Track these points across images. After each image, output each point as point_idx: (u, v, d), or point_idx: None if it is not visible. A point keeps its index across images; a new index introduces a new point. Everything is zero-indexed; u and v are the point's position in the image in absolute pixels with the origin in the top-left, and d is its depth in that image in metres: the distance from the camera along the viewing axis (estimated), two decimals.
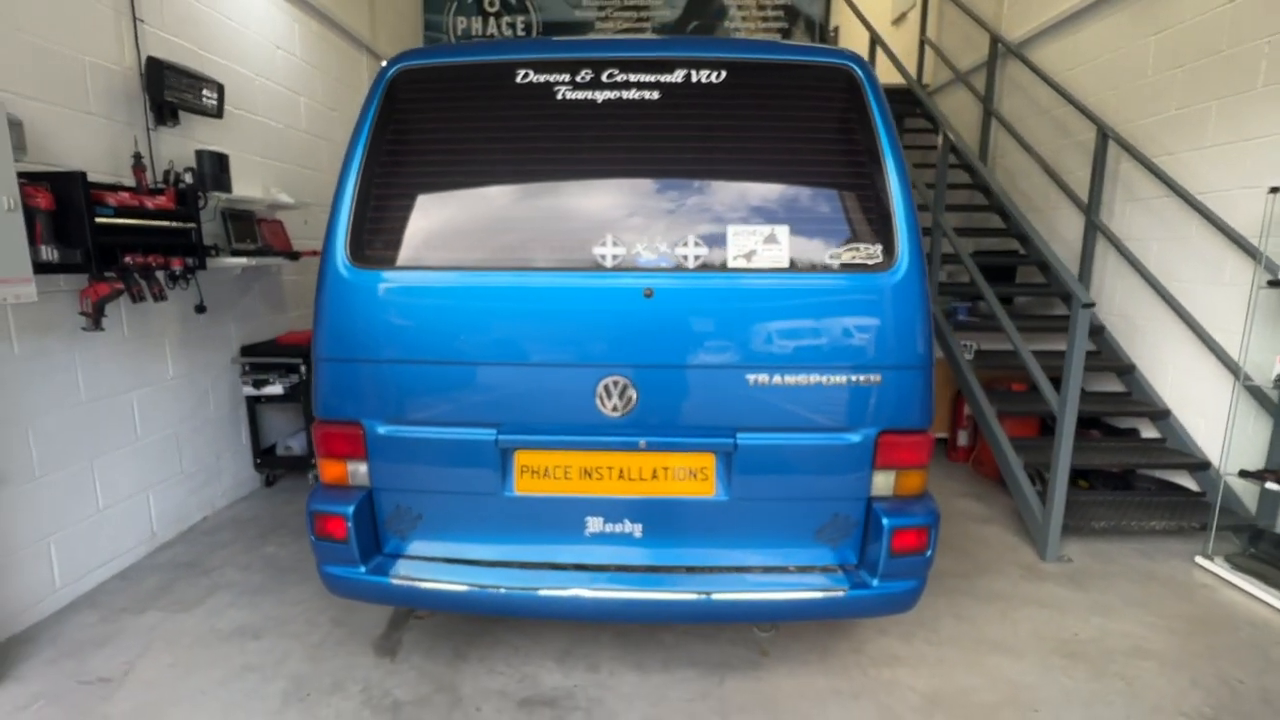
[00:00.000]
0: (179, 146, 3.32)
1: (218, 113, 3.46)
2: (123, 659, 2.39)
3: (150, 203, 2.87)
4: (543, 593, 1.85)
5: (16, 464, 2.51)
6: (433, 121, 1.89)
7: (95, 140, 2.87)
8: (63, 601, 2.71)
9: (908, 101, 6.29)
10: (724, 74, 1.85)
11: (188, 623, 2.63)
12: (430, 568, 1.94)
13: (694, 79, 1.85)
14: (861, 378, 1.81)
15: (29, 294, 2.37)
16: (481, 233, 1.82)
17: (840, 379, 1.81)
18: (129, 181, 2.94)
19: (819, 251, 1.80)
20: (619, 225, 1.81)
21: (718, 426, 1.85)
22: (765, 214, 1.81)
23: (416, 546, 2.00)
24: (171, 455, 3.38)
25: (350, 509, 1.87)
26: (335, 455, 1.93)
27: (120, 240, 2.69)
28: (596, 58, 1.87)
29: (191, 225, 3.11)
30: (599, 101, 1.85)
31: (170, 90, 3.10)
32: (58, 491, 2.69)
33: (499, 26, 6.73)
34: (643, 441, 1.85)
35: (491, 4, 6.71)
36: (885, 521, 1.84)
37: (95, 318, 2.65)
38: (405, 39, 6.35)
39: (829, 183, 1.83)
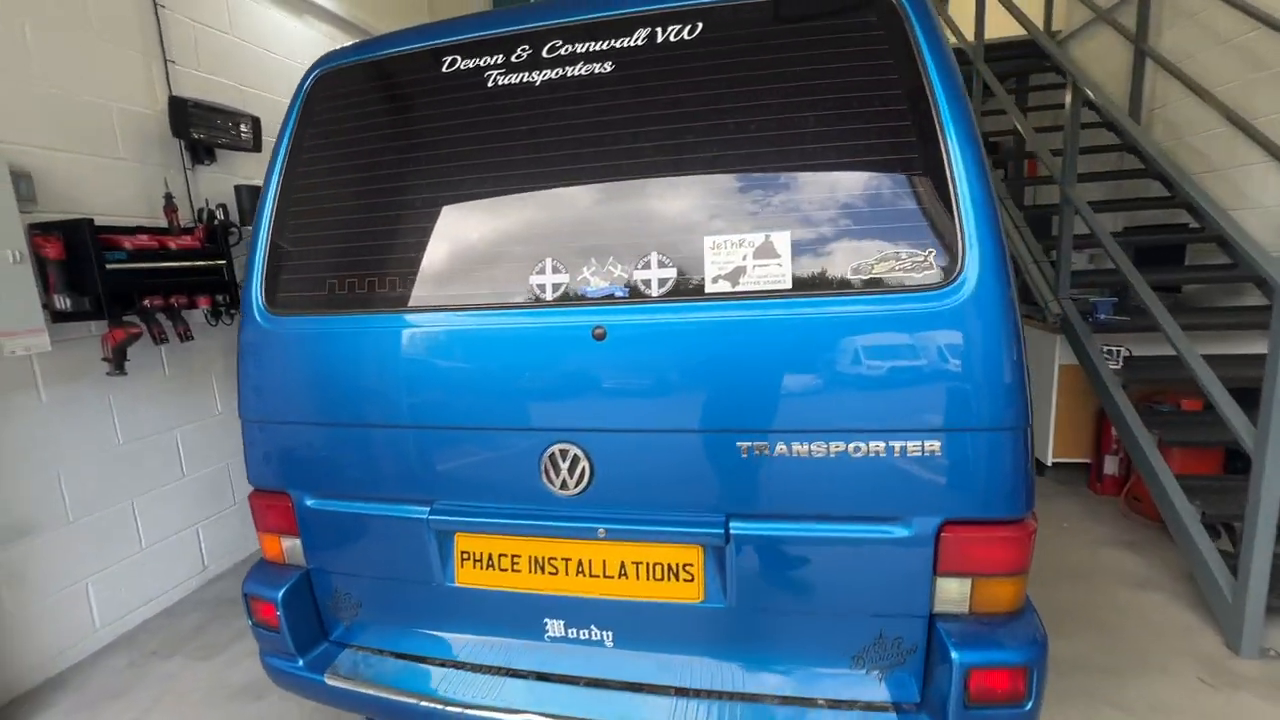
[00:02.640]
0: (219, 183, 3.34)
1: (254, 146, 3.45)
2: (132, 715, 2.34)
3: (174, 243, 2.86)
4: (494, 715, 1.46)
5: (48, 510, 2.56)
6: (349, 133, 1.57)
7: (126, 185, 2.90)
8: (103, 642, 2.76)
9: (1033, 55, 5.24)
10: (698, 27, 1.35)
11: (203, 673, 2.56)
12: (373, 666, 1.62)
13: (658, 39, 1.37)
14: (910, 445, 1.24)
15: (41, 344, 2.38)
16: (395, 264, 1.47)
17: (875, 447, 1.25)
18: (164, 223, 2.96)
19: (838, 263, 1.25)
20: (562, 245, 1.37)
21: (703, 510, 1.36)
22: (758, 215, 1.29)
23: (361, 637, 1.70)
24: (223, 488, 3.42)
25: (279, 593, 1.61)
26: (268, 529, 1.68)
27: (139, 283, 2.68)
28: (534, 28, 1.45)
29: (221, 262, 3.09)
30: (537, 84, 1.42)
31: (198, 128, 3.09)
32: (94, 534, 2.73)
33: None
34: (602, 529, 1.40)
35: None
36: (955, 655, 1.24)
37: (117, 362, 2.65)
38: None
39: (851, 161, 1.27)
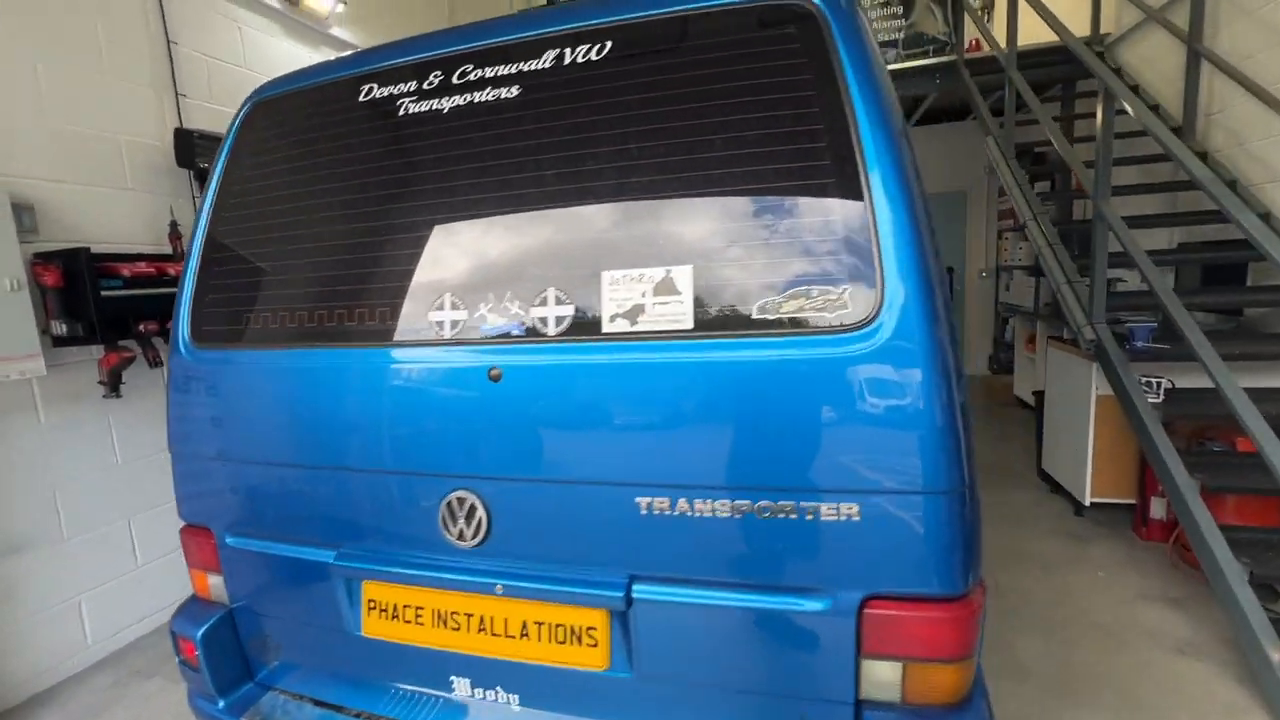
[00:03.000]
0: None
1: None
2: None
3: (173, 269, 2.95)
4: None
5: (43, 528, 2.65)
6: (267, 166, 1.54)
7: (135, 214, 3.02)
8: (93, 659, 2.82)
9: (1077, 60, 4.90)
10: (606, 47, 1.26)
11: (177, 696, 2.57)
12: (291, 714, 1.56)
13: (566, 60, 1.29)
14: (824, 508, 1.09)
15: (37, 369, 2.48)
16: (298, 299, 1.43)
17: (784, 508, 1.10)
18: (170, 250, 3.07)
19: (745, 302, 1.12)
20: (461, 279, 1.29)
21: (604, 570, 1.24)
22: (660, 248, 1.17)
23: (285, 680, 1.64)
24: None
25: (199, 631, 1.57)
26: (195, 565, 1.66)
27: (135, 309, 2.77)
28: (450, 53, 1.39)
29: None
30: (445, 111, 1.36)
31: (204, 158, 3.20)
32: (88, 552, 2.81)
33: None
34: (499, 585, 1.30)
35: None
36: None
37: (111, 384, 2.74)
38: None
39: (761, 188, 1.14)
